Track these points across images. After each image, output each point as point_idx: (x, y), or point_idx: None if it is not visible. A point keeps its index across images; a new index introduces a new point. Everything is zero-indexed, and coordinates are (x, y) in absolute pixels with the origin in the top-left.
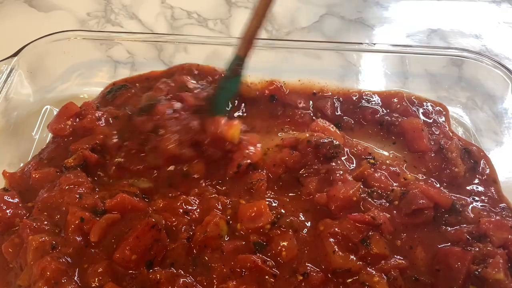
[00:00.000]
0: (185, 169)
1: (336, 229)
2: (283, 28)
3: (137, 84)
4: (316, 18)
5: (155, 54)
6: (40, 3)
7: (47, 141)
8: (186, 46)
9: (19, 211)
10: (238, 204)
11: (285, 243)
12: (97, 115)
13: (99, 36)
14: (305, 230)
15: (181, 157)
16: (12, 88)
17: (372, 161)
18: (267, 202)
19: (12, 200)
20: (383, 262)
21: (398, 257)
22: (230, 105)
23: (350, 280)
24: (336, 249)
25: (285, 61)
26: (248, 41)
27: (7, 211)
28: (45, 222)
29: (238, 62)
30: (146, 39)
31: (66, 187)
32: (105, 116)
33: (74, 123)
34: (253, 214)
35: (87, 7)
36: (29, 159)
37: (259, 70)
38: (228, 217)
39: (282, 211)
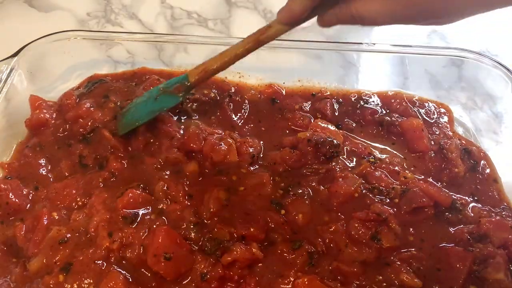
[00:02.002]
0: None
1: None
2: None
3: (120, 81)
4: None
5: (155, 54)
6: (40, 3)
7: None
8: (186, 46)
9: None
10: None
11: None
12: (87, 105)
13: (99, 36)
14: None
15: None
16: (12, 88)
17: (372, 159)
18: None
19: (18, 188)
20: (394, 253)
21: (412, 249)
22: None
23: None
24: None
25: (285, 62)
26: (206, 75)
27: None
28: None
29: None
30: (146, 39)
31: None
32: (94, 105)
33: (64, 117)
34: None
35: (87, 7)
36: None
37: (259, 71)
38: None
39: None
